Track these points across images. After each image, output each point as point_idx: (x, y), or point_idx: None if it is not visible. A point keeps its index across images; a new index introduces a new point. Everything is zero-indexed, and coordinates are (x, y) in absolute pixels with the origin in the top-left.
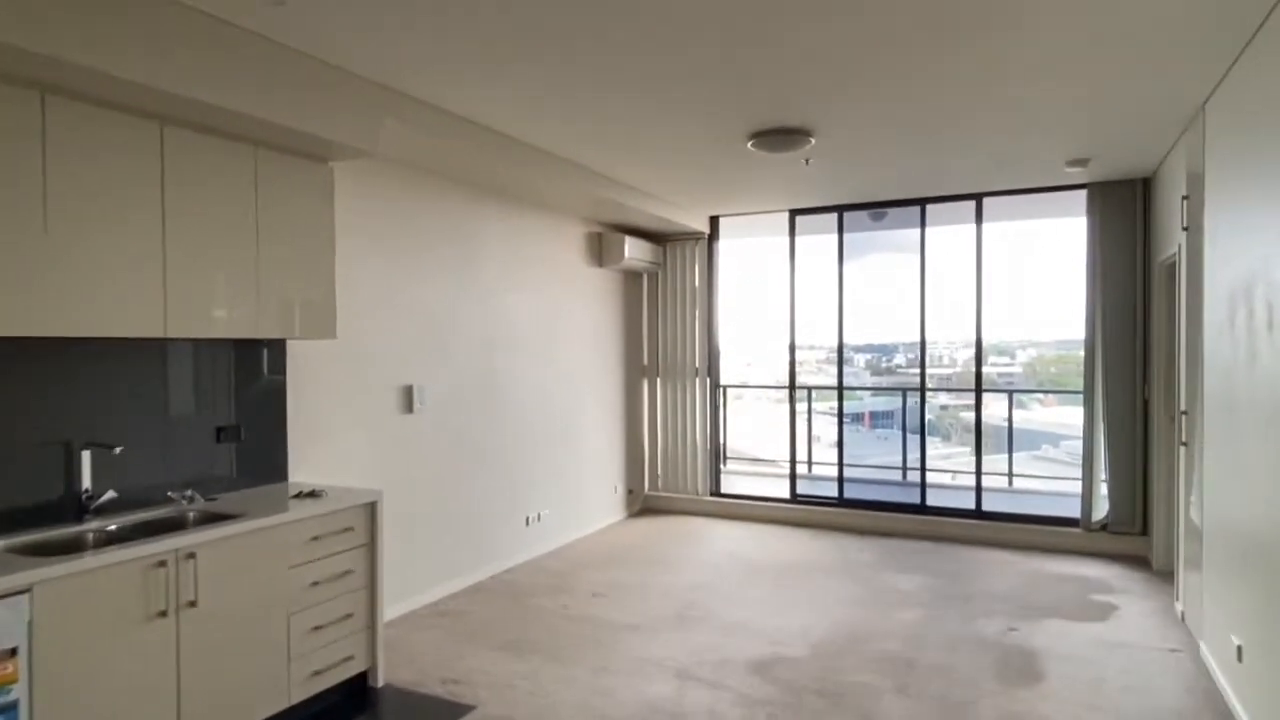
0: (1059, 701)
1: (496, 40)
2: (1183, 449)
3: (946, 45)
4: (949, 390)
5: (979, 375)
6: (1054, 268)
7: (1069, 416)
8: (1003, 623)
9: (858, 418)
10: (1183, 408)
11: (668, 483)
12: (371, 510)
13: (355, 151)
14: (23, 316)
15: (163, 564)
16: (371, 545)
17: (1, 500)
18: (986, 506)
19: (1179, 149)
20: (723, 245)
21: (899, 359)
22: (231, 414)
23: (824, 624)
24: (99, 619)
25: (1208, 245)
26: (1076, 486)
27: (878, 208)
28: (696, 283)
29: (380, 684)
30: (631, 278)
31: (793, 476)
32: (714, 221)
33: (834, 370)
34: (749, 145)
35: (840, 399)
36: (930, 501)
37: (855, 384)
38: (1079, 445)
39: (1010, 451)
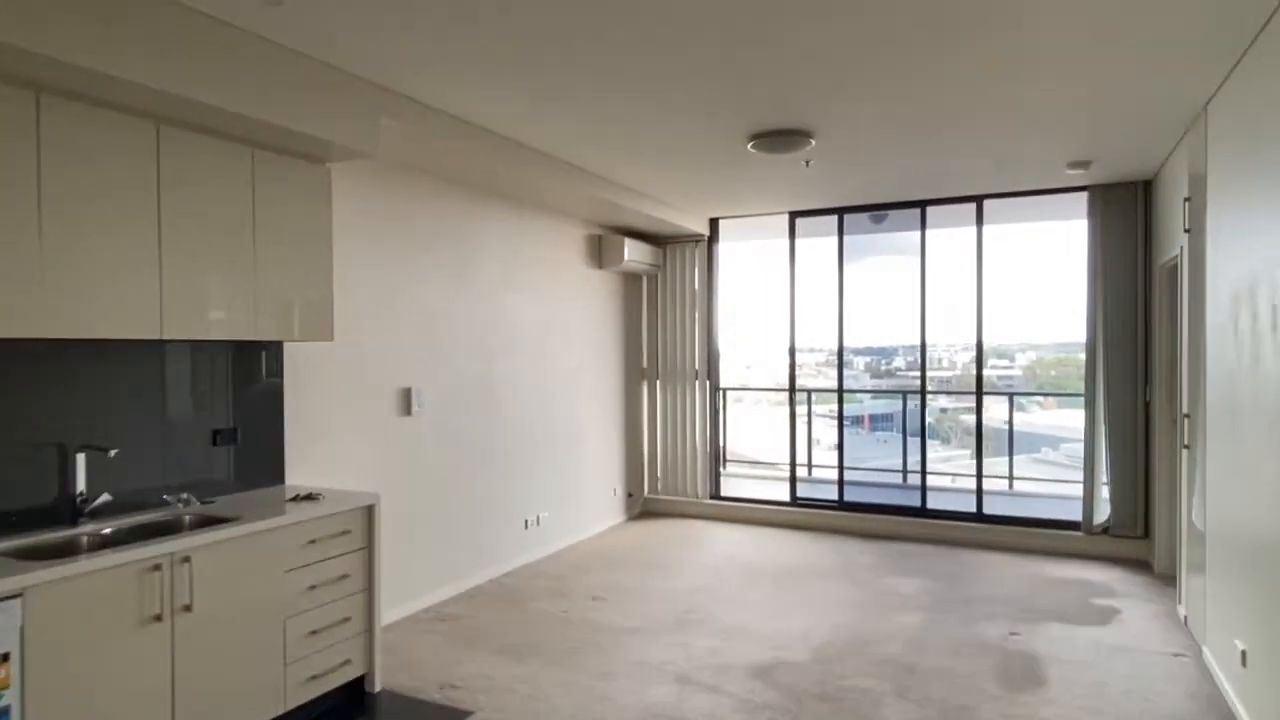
0: (1061, 706)
1: (496, 41)
2: (1185, 452)
3: (947, 45)
4: (949, 393)
5: (979, 378)
6: (1053, 271)
7: (1068, 419)
8: (1004, 626)
9: (857, 420)
10: (1185, 410)
11: (667, 485)
12: (369, 513)
13: (353, 152)
14: (17, 318)
15: (157, 568)
16: (369, 549)
17: None
18: (987, 509)
19: (1181, 150)
20: (722, 247)
21: (898, 362)
22: (228, 416)
23: (824, 628)
24: (93, 623)
25: (1210, 247)
26: (1077, 489)
27: (878, 210)
28: (696, 285)
29: (378, 689)
30: (631, 280)
31: (793, 479)
32: (714, 223)
33: (833, 373)
34: (749, 147)
35: (840, 402)
36: (931, 504)
37: (855, 387)
38: (1078, 448)
39: (1010, 454)
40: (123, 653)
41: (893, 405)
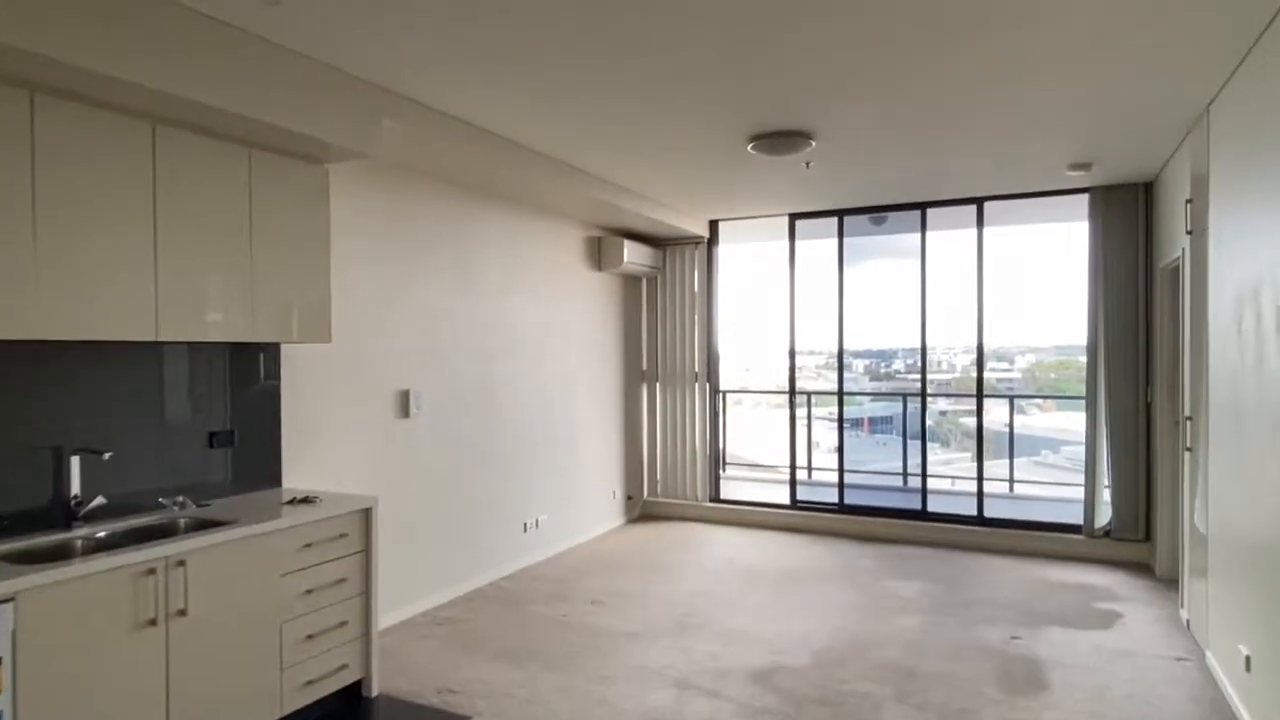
0: (1063, 711)
1: (496, 41)
2: (1187, 454)
3: (947, 46)
4: (950, 395)
5: (980, 380)
6: (1053, 273)
7: (1068, 422)
8: (1005, 630)
9: (856, 423)
10: (1187, 413)
11: (667, 488)
12: (366, 516)
13: (352, 153)
14: (11, 319)
15: (152, 571)
16: (366, 552)
17: None
18: (987, 512)
19: (1182, 152)
20: (722, 250)
21: (897, 364)
22: (225, 419)
23: (824, 631)
24: (86, 628)
25: (1213, 248)
26: (1077, 492)
27: (878, 212)
28: (696, 287)
29: (375, 693)
30: (631, 282)
31: (793, 482)
32: (713, 226)
33: (833, 375)
34: (749, 148)
35: (840, 404)
36: (931, 507)
37: (855, 389)
38: (1078, 451)
39: (1011, 457)
40: (116, 658)
41: (892, 408)
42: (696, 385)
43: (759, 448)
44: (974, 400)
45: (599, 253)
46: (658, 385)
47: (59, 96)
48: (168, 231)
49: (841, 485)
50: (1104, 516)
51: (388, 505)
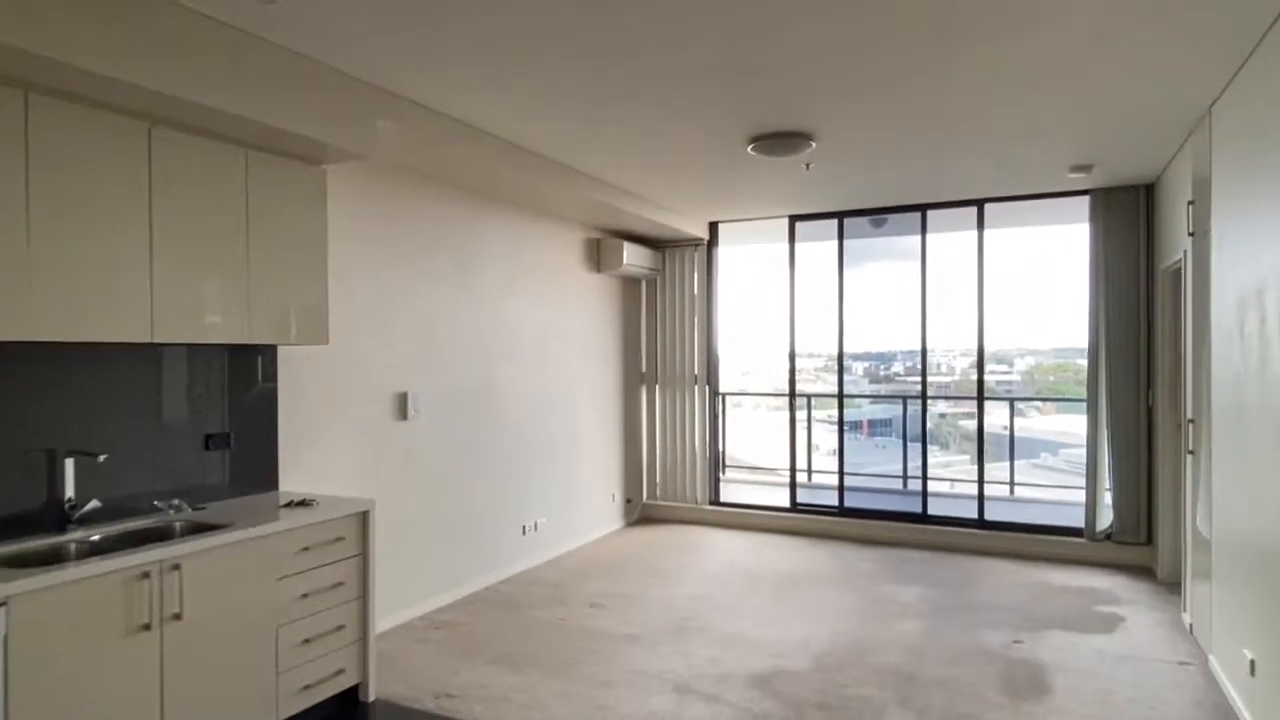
0: (1066, 715)
1: (496, 41)
2: (1189, 457)
3: (948, 47)
4: (949, 398)
5: (981, 383)
6: (1053, 275)
7: (1067, 424)
8: (1007, 634)
9: (855, 426)
10: (1189, 416)
11: (666, 491)
12: (364, 519)
13: (350, 155)
14: (4, 320)
15: (146, 575)
16: (364, 555)
17: None
18: (988, 516)
19: (1184, 153)
20: (722, 252)
21: (896, 367)
22: (221, 421)
23: (825, 635)
24: (79, 633)
25: (1215, 250)
26: (1077, 495)
27: (878, 214)
28: (695, 289)
29: (372, 698)
30: (630, 284)
31: (793, 485)
32: (713, 228)
33: (831, 378)
34: (749, 149)
35: (840, 407)
36: (931, 510)
37: (853, 391)
38: (1077, 454)
39: (1012, 460)
40: (110, 662)
41: (891, 410)
42: (696, 387)
43: (759, 450)
44: (972, 403)
45: (598, 255)
46: (657, 387)
47: (54, 97)
48: (163, 232)
49: (841, 488)
50: (1105, 520)
51: (385, 508)
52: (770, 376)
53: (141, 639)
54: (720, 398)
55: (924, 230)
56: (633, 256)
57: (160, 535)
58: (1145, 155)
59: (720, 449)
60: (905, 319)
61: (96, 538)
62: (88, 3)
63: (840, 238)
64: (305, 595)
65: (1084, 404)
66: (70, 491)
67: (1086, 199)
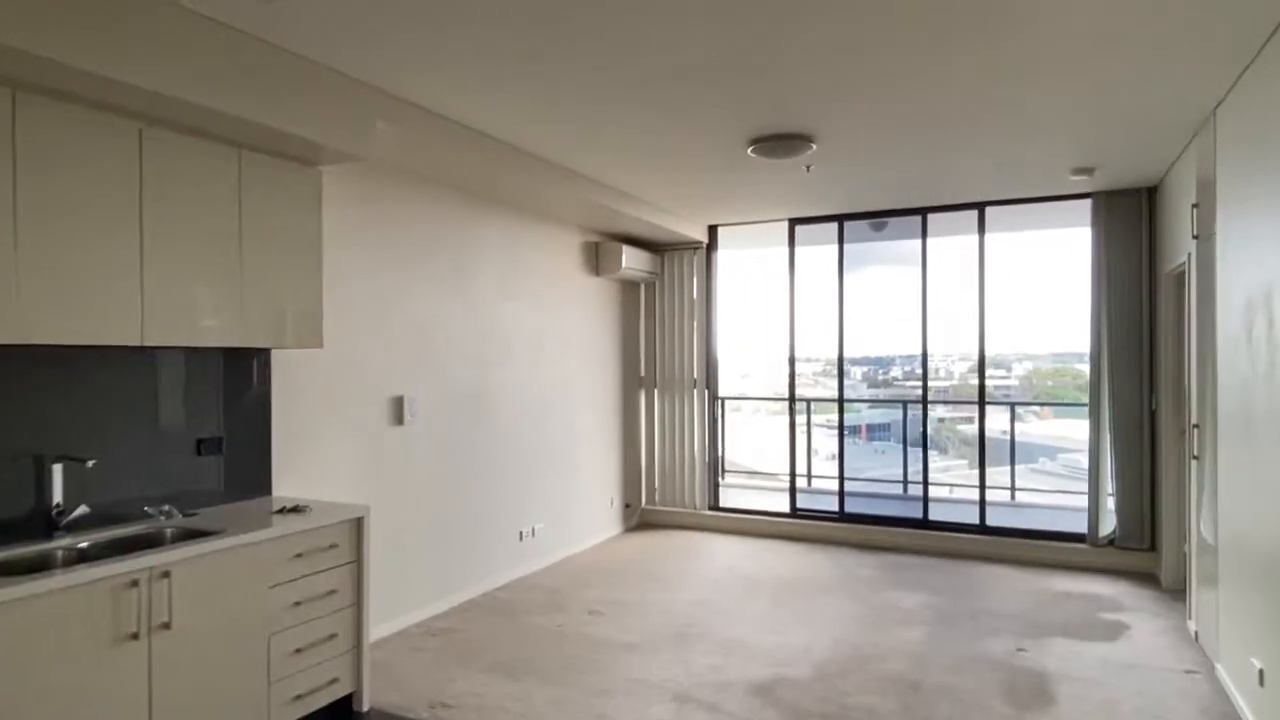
0: None
1: (495, 42)
2: (1194, 463)
3: (949, 48)
4: (949, 403)
5: (982, 388)
6: (1052, 279)
7: (1065, 429)
8: (1010, 642)
9: (854, 430)
10: (1194, 420)
11: (665, 496)
12: (358, 526)
13: (346, 156)
14: None
15: (135, 583)
16: (358, 562)
17: None
18: (989, 521)
19: (1187, 156)
20: (721, 255)
21: (895, 371)
22: (213, 425)
23: (826, 642)
24: (65, 642)
25: (1220, 254)
26: (1079, 500)
27: (879, 217)
28: (695, 293)
29: (366, 708)
30: (629, 287)
31: (792, 490)
32: (713, 231)
33: (830, 382)
34: (749, 151)
35: (841, 411)
36: (932, 515)
37: (852, 396)
38: (1076, 458)
39: (1013, 465)
40: (97, 673)
41: (890, 415)
42: (695, 392)
43: (758, 455)
44: (971, 407)
45: (597, 258)
46: (656, 391)
47: (42, 95)
48: (155, 233)
49: (841, 493)
50: (1108, 525)
51: (380, 514)
52: (770, 380)
53: (129, 648)
54: (719, 402)
55: (924, 234)
56: (631, 260)
57: (150, 542)
58: (1148, 158)
59: (719, 453)
60: (904, 323)
61: (84, 544)
62: (87, 3)
63: (840, 241)
64: (298, 603)
65: (1082, 409)
66: (58, 497)
67: (1088, 202)
